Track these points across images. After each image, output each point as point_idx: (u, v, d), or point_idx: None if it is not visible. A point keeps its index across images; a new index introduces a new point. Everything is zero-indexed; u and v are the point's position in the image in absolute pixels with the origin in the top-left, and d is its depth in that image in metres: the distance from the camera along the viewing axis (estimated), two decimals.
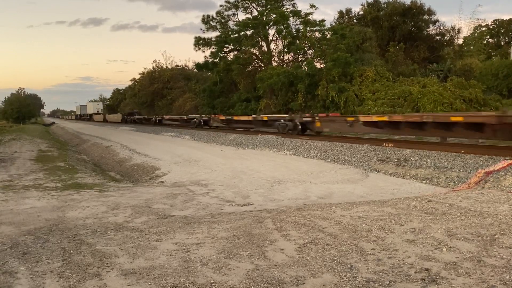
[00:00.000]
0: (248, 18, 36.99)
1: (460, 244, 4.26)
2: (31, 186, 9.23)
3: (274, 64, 36.13)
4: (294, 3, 37.15)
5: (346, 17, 41.30)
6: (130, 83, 69.18)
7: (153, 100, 55.75)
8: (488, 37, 46.70)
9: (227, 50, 38.04)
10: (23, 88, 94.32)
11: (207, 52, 38.85)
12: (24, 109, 62.31)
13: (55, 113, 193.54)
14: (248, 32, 36.13)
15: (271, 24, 35.40)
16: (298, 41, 33.99)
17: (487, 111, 21.73)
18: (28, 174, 11.12)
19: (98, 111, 78.69)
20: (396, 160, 10.35)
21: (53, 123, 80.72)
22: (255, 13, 37.54)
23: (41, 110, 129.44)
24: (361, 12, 40.21)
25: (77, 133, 37.99)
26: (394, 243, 4.35)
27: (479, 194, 6.73)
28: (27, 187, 9.02)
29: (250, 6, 38.24)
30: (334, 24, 37.23)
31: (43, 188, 8.95)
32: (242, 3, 38.08)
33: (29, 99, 78.84)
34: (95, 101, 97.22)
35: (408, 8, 37.13)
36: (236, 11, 38.65)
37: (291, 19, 35.10)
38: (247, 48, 36.29)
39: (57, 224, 5.60)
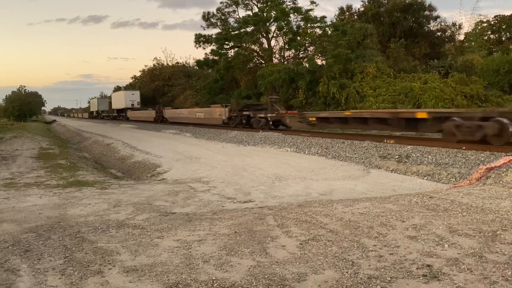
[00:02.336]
0: (249, 15, 36.97)
1: (462, 240, 4.26)
2: (33, 183, 9.23)
3: (275, 60, 36.13)
4: (295, 0, 37.12)
5: (347, 13, 41.19)
6: (131, 80, 69.20)
7: (154, 97, 55.78)
8: (489, 33, 46.52)
9: (228, 47, 38.07)
10: (24, 86, 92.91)
11: (208, 49, 38.96)
12: (25, 107, 62.33)
13: (56, 111, 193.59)
14: (249, 29, 36.12)
15: (271, 20, 35.38)
16: (299, 38, 33.96)
17: (489, 106, 21.74)
18: (30, 172, 11.13)
19: (133, 104, 47.81)
20: (397, 157, 10.33)
21: (54, 120, 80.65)
22: (256, 9, 37.52)
23: (42, 108, 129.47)
24: (362, 9, 40.12)
25: (78, 130, 38.01)
26: (396, 240, 4.35)
27: (481, 190, 6.72)
28: (28, 185, 9.03)
29: (251, 3, 38.25)
30: (335, 20, 37.17)
31: (45, 185, 8.96)
32: (242, 0, 38.04)
33: (30, 97, 78.60)
34: (127, 88, 62.18)
35: (409, 4, 37.04)
36: (237, 7, 38.69)
37: (291, 15, 35.16)
38: (247, 45, 36.29)
39: (58, 222, 5.61)
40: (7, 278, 3.69)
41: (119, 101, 51.36)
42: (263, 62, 36.93)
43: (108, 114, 60.17)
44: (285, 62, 35.32)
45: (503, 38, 45.48)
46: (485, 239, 4.28)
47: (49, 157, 14.92)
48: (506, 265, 3.59)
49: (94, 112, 68.85)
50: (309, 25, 34.06)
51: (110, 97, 67.65)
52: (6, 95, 74.77)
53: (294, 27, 34.90)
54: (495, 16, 45.93)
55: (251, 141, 16.57)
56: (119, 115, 51.73)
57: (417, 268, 3.59)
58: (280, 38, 36.69)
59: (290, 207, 6.12)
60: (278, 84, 30.54)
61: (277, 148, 14.55)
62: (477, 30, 45.03)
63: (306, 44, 34.60)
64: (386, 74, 28.31)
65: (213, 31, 39.74)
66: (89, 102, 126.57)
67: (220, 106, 24.95)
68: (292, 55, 36.55)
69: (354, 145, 12.33)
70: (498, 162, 8.06)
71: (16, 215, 6.09)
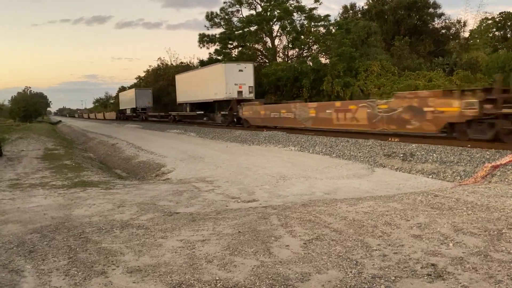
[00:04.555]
0: (252, 14, 36.93)
1: (467, 239, 4.23)
2: (38, 184, 9.27)
3: (279, 59, 36.09)
4: None
5: (351, 11, 41.13)
6: (135, 80, 68.90)
7: (158, 97, 55.67)
8: (494, 30, 46.16)
9: (231, 46, 38.04)
10: (29, 87, 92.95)
11: (212, 49, 38.92)
12: (30, 107, 62.68)
13: (62, 111, 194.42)
14: (252, 28, 36.08)
15: (275, 20, 35.31)
16: (302, 37, 33.89)
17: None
18: (35, 173, 11.18)
19: (241, 91, 23.99)
20: (402, 155, 10.29)
21: (60, 121, 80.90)
22: (259, 9, 37.48)
23: (48, 109, 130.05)
24: (366, 7, 40.03)
25: (83, 131, 38.17)
26: (400, 239, 4.33)
27: (486, 188, 6.68)
28: (33, 186, 9.07)
29: (254, 2, 38.20)
30: (338, 18, 37.08)
31: (50, 186, 9.00)
32: None
33: (36, 98, 78.86)
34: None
35: (413, 2, 36.90)
36: (240, 7, 38.64)
37: (295, 14, 35.07)
38: (251, 44, 36.24)
39: (63, 222, 5.62)
40: (12, 278, 3.71)
41: (210, 86, 25.83)
42: (266, 61, 36.89)
43: (160, 113, 37.45)
44: (289, 61, 35.27)
45: (509, 35, 45.13)
46: (490, 237, 4.25)
47: (54, 158, 14.98)
48: (511, 264, 3.56)
49: (128, 111, 46.22)
50: (312, 23, 34.00)
51: (149, 88, 46.32)
52: (12, 96, 75.04)
53: (298, 26, 34.84)
54: (500, 13, 45.49)
55: (255, 140, 16.56)
56: (206, 115, 27.50)
57: (421, 267, 3.57)
58: (284, 37, 36.67)
59: (294, 206, 6.10)
60: (282, 83, 30.52)
61: (281, 147, 14.53)
62: (482, 27, 44.74)
63: (310, 43, 34.53)
64: (391, 72, 28.23)
65: (217, 31, 39.70)
66: (96, 100, 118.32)
67: None
68: (296, 53, 36.49)
69: (359, 144, 12.29)
70: (504, 160, 8.00)
71: (21, 215, 6.12)
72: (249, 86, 24.27)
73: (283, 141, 15.19)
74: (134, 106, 44.17)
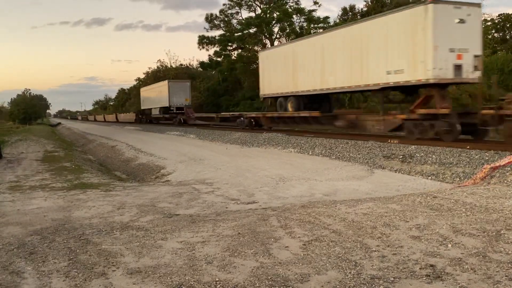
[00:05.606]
0: (251, 17, 37.03)
1: (466, 240, 4.24)
2: (38, 186, 9.28)
3: None
4: (298, 0, 37.13)
5: (350, 13, 41.14)
6: (135, 82, 68.74)
7: None
8: (493, 31, 46.26)
9: (231, 48, 38.14)
10: (29, 89, 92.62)
11: (211, 51, 39.02)
12: (30, 110, 62.61)
13: (61, 113, 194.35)
14: (252, 30, 36.17)
15: (274, 22, 35.41)
16: None
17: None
18: (35, 175, 11.19)
19: (460, 66, 11.75)
20: (401, 156, 10.31)
21: (59, 123, 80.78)
22: (259, 11, 37.58)
23: (47, 111, 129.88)
24: (365, 9, 40.09)
25: (83, 133, 38.18)
26: (399, 240, 4.35)
27: (485, 189, 6.70)
28: (33, 188, 9.08)
29: (254, 4, 38.28)
30: (338, 20, 37.16)
31: (50, 188, 9.01)
32: (245, 1, 38.13)
33: (35, 100, 78.69)
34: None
35: (412, 3, 36.98)
36: (240, 9, 38.78)
37: (294, 16, 35.16)
38: (250, 46, 36.32)
39: (63, 224, 5.64)
40: (12, 280, 3.72)
41: (372, 58, 13.65)
42: None
43: (218, 115, 26.82)
44: None
45: (508, 37, 45.23)
46: (489, 238, 4.27)
47: (54, 160, 14.99)
48: (510, 265, 3.58)
49: (156, 111, 35.72)
50: (312, 25, 34.09)
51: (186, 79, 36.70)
52: (12, 98, 74.95)
53: (297, 28, 34.94)
54: (499, 15, 45.61)
55: (255, 142, 16.57)
56: (339, 119, 15.52)
57: (420, 268, 3.59)
58: (283, 39, 36.75)
59: (294, 208, 6.12)
60: None
61: (281, 149, 14.55)
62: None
63: None
64: None
65: (216, 33, 39.81)
66: (95, 102, 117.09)
67: None
68: None
69: (358, 145, 12.30)
70: (503, 161, 8.02)
71: (21, 218, 6.13)
72: (475, 56, 12.42)
73: (283, 143, 15.20)
74: (167, 105, 32.37)
